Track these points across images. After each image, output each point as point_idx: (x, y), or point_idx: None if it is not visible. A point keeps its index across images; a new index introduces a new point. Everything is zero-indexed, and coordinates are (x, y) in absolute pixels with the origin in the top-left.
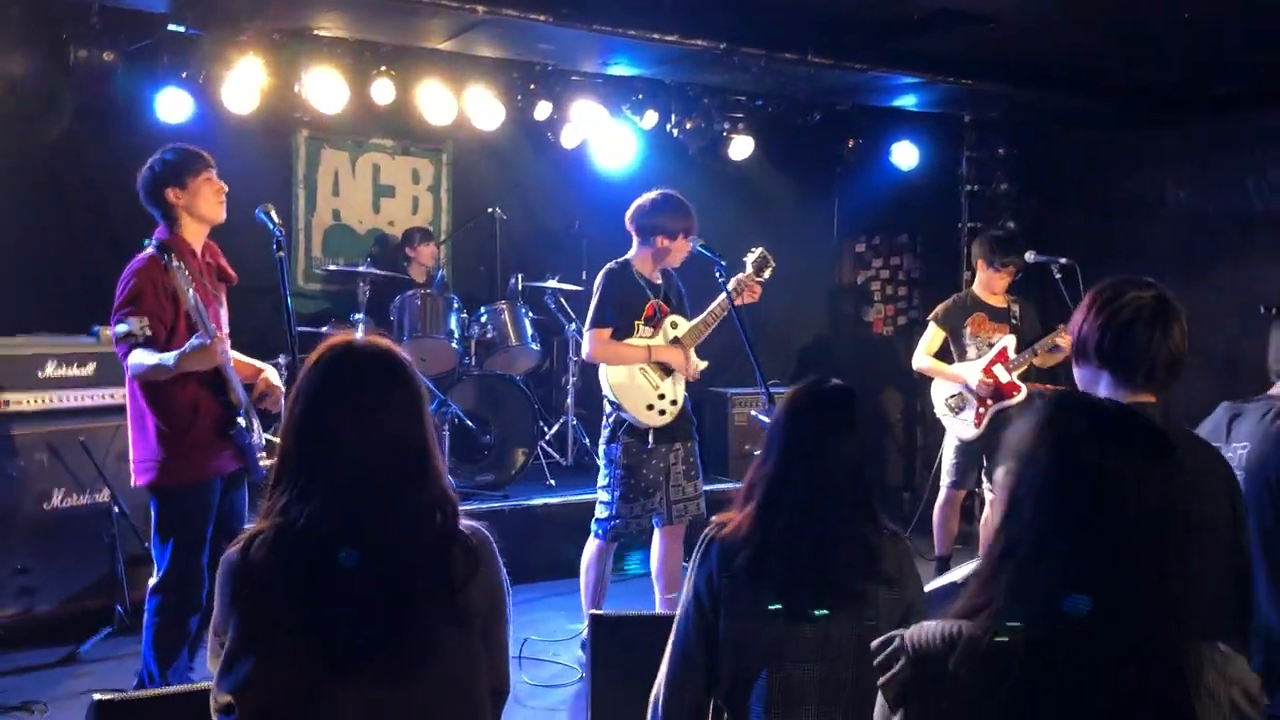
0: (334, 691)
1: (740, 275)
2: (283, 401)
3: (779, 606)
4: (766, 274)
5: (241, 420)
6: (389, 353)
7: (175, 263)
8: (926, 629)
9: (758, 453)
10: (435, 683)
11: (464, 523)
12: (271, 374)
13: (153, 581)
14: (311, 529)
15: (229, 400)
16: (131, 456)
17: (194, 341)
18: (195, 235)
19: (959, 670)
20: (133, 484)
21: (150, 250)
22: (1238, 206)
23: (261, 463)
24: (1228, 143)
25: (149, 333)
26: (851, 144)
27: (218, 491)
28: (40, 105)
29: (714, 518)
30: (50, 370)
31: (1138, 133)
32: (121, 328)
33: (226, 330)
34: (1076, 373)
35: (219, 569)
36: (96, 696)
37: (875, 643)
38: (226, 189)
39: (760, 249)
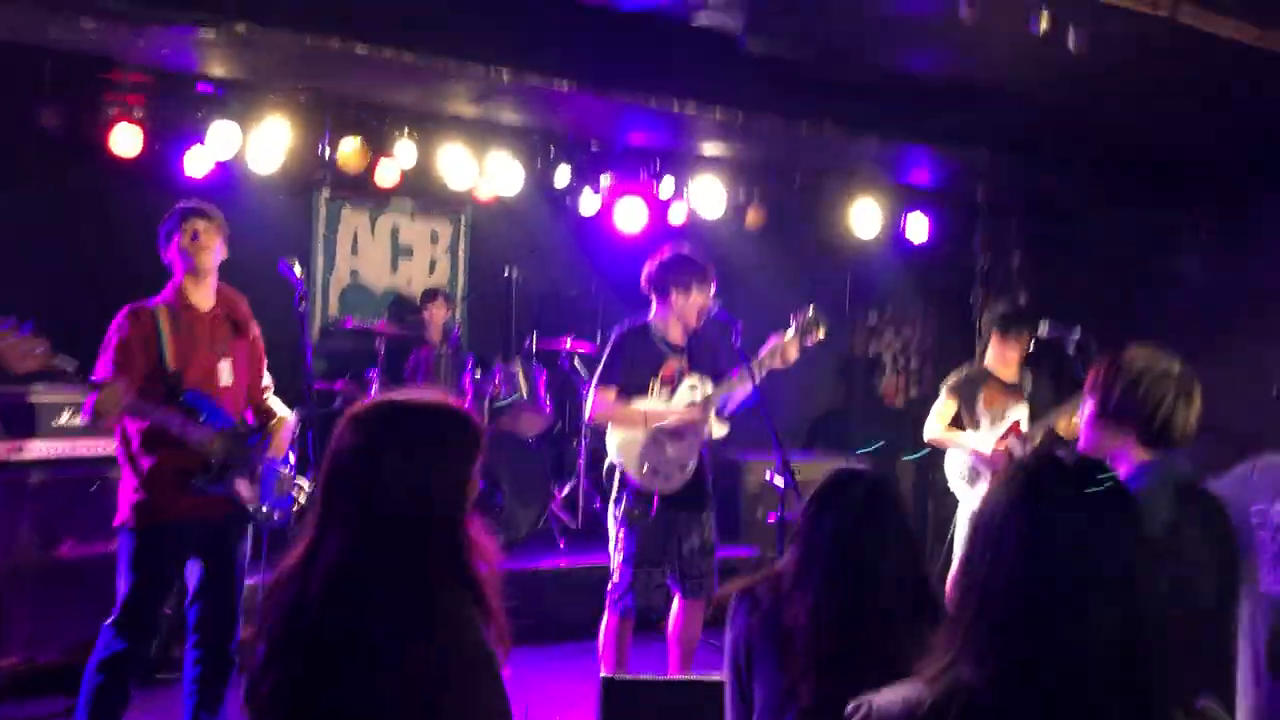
0: None
1: (779, 338)
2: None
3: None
4: (815, 336)
5: (207, 474)
6: (444, 411)
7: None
8: (891, 696)
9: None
10: None
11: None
12: (280, 429)
13: (108, 620)
14: (309, 573)
15: (193, 453)
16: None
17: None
18: (195, 286)
19: None
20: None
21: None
22: (1251, 284)
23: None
24: (1237, 223)
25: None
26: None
27: (179, 538)
28: (70, 158)
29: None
30: (65, 419)
31: (1150, 210)
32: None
33: (226, 381)
34: (1092, 432)
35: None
36: None
37: (849, 707)
38: (200, 235)
39: (811, 308)
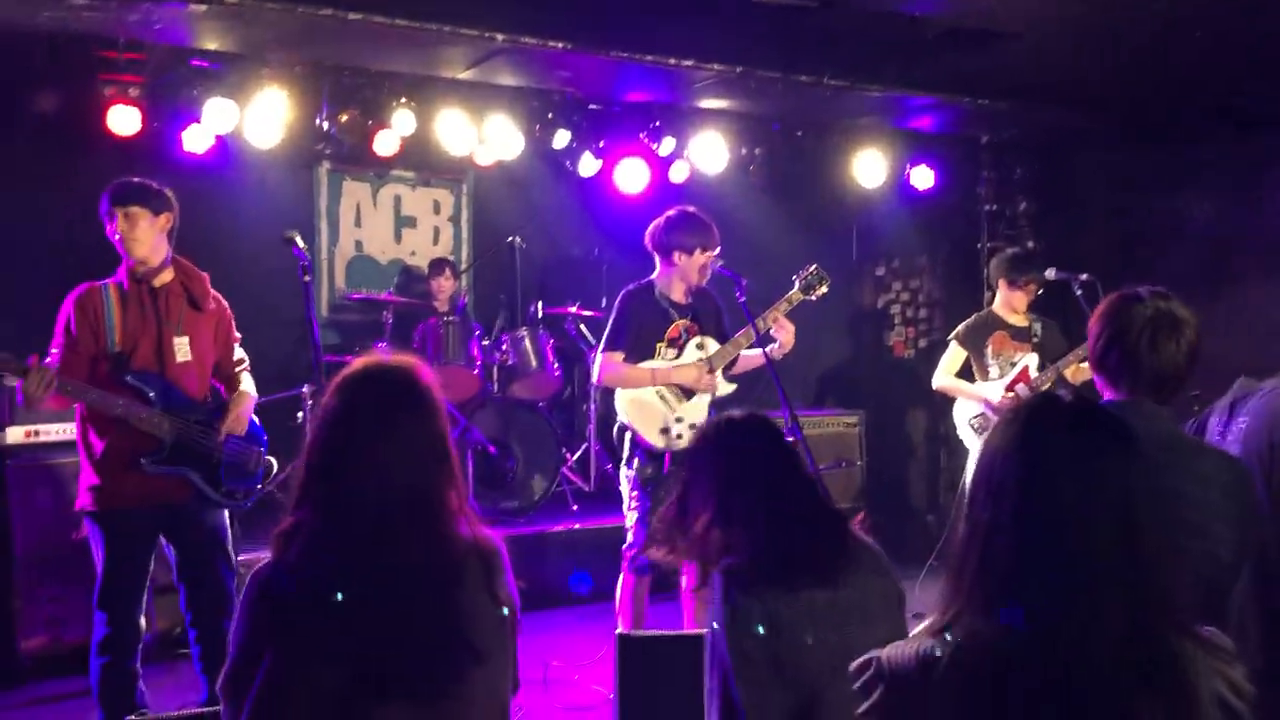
0: (374, 713)
1: (788, 295)
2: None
3: None
4: (818, 293)
5: (157, 454)
6: (399, 372)
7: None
8: (901, 650)
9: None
10: (477, 691)
11: (478, 531)
12: (237, 405)
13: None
14: (315, 559)
15: (143, 434)
16: None
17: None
18: (144, 267)
19: (935, 693)
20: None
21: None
22: (1260, 225)
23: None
24: (1249, 162)
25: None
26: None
27: (141, 523)
28: (68, 141)
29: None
30: None
31: (1158, 151)
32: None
33: (183, 357)
34: (1094, 378)
35: (245, 593)
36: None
37: (854, 666)
38: (121, 228)
39: (814, 266)
